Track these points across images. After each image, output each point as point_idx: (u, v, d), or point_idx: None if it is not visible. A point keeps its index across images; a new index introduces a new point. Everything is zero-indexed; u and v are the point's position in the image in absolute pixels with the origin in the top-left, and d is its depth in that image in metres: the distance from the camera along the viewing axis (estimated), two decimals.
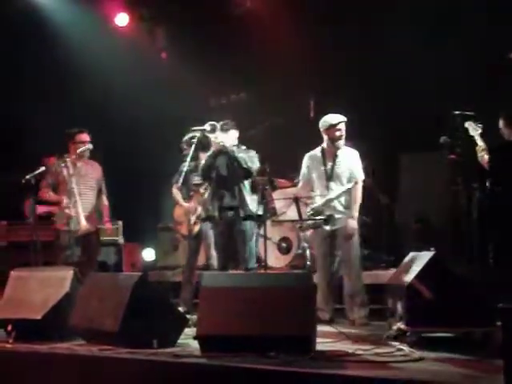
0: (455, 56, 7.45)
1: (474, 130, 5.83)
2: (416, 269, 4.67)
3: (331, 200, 6.10)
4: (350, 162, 6.19)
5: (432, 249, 4.85)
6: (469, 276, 4.58)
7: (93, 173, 6.77)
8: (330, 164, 6.19)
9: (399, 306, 4.74)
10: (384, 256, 7.46)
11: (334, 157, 6.18)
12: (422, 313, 4.46)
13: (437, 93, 7.42)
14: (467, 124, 5.90)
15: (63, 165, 6.55)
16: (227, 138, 6.35)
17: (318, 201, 6.16)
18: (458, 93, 7.14)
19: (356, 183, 6.12)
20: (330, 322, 5.83)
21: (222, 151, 6.31)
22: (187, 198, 6.95)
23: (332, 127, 6.13)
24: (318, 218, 6.04)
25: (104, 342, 4.70)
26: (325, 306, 6.04)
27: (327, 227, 6.07)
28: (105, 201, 6.86)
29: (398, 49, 7.70)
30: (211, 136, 6.28)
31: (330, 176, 6.16)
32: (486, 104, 6.32)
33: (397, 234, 7.72)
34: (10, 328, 5.10)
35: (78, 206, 6.49)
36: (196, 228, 6.84)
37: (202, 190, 6.81)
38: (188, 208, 6.88)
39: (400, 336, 4.68)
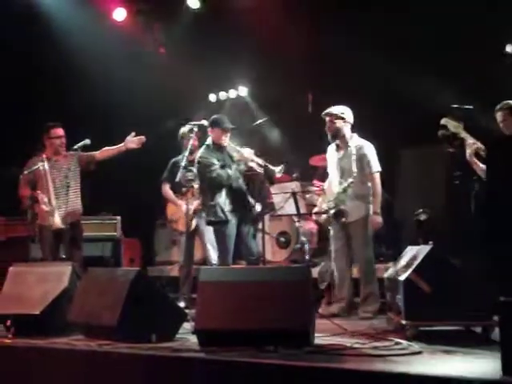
0: (452, 51, 7.45)
1: (454, 126, 5.67)
2: (414, 263, 4.67)
3: (338, 194, 6.07)
4: (361, 154, 6.06)
5: (430, 243, 4.83)
6: (467, 269, 4.58)
7: (68, 164, 6.60)
8: (340, 157, 6.18)
9: (398, 300, 4.74)
10: (383, 250, 7.45)
11: (345, 150, 6.15)
12: (421, 306, 4.46)
13: (435, 87, 7.40)
14: (444, 121, 5.64)
15: (40, 161, 6.49)
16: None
17: (334, 194, 6.14)
18: (456, 87, 7.12)
19: (371, 176, 6.07)
20: (337, 316, 5.86)
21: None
22: (179, 193, 6.93)
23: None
24: (324, 212, 6.05)
25: (102, 336, 4.70)
26: (338, 299, 6.10)
27: (335, 221, 6.08)
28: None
29: (396, 45, 7.70)
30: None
31: (340, 169, 6.14)
32: (484, 98, 6.29)
33: (396, 229, 7.70)
34: (8, 323, 5.12)
35: (52, 203, 6.43)
36: (193, 223, 6.81)
37: (195, 186, 6.78)
38: (182, 205, 6.84)
39: (399, 330, 4.68)
